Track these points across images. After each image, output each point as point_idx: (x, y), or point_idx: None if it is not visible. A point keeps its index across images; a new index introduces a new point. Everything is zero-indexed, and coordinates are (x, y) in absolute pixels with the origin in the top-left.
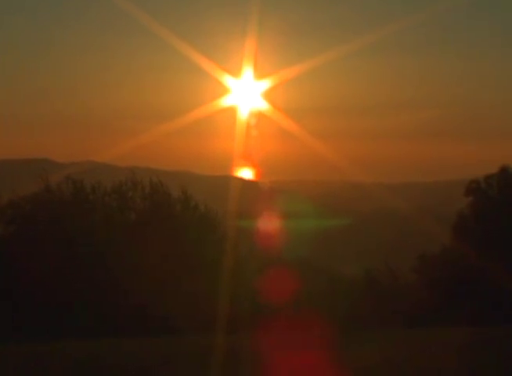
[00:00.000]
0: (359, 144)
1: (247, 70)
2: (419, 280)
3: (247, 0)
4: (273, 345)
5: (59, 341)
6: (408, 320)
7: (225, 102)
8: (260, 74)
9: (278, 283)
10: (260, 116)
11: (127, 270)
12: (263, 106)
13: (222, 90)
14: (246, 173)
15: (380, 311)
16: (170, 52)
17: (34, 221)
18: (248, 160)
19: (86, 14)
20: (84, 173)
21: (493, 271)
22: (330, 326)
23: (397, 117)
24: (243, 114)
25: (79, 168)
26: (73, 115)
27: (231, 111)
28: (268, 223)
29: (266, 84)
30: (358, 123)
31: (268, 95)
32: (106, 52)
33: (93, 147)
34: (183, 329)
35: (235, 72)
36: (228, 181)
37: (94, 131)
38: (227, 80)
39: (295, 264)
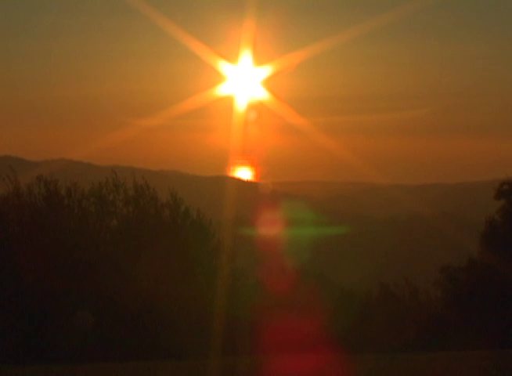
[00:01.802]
0: (374, 140)
1: (245, 56)
2: (442, 296)
3: None
4: (274, 369)
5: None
6: (428, 341)
7: (220, 91)
8: (259, 59)
9: (281, 299)
10: (260, 107)
11: (108, 285)
12: (263, 95)
13: (217, 78)
14: (244, 173)
15: (398, 331)
16: (157, 35)
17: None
18: (246, 159)
19: None
20: (58, 173)
21: None
22: (340, 347)
23: (414, 109)
24: (241, 105)
25: (52, 167)
26: (45, 107)
27: (227, 102)
28: (270, 231)
29: (266, 71)
30: (372, 116)
31: (269, 84)
32: (85, 36)
33: (68, 143)
34: (176, 351)
35: (231, 57)
36: (223, 182)
37: (69, 126)
38: (222, 66)
39: (301, 277)
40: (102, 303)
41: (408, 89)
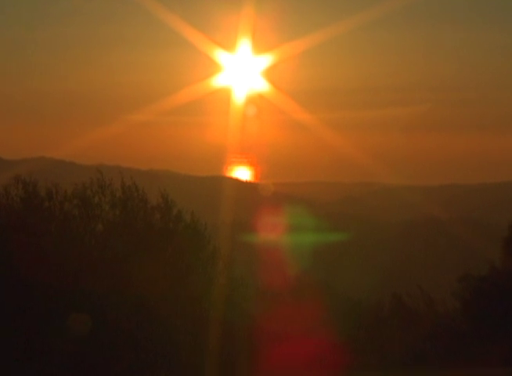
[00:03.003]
0: (384, 137)
1: (244, 44)
2: (461, 307)
3: None
4: None
5: None
6: (445, 357)
7: (216, 82)
8: (259, 48)
9: (283, 311)
10: (260, 100)
11: (91, 297)
12: (263, 87)
13: (213, 68)
14: (242, 173)
15: (412, 346)
16: (148, 22)
17: None
18: (245, 157)
19: None
20: (38, 173)
21: None
22: (348, 363)
23: (428, 103)
24: (239, 98)
25: (31, 167)
26: (23, 101)
27: (224, 94)
28: (271, 237)
29: (267, 60)
30: (383, 110)
31: (270, 75)
32: (66, 22)
33: (49, 141)
34: (169, 368)
35: (228, 46)
36: (220, 183)
37: (50, 121)
38: (219, 55)
39: (304, 287)
40: (82, 317)
41: (421, 81)
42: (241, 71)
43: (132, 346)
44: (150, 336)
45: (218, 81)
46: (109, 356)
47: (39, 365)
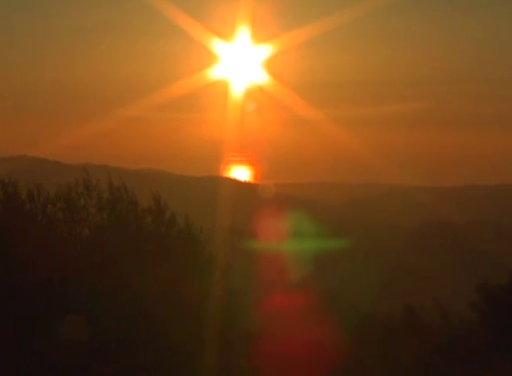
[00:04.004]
0: (395, 134)
1: (242, 33)
2: (479, 319)
3: None
4: None
5: None
6: (458, 369)
7: (213, 74)
8: (259, 37)
9: (284, 323)
10: (260, 93)
11: (77, 309)
12: (264, 79)
13: (209, 58)
14: (241, 173)
15: (426, 361)
16: (139, 9)
17: None
18: (244, 156)
19: None
20: (19, 172)
21: None
22: (349, 369)
23: (442, 97)
24: (238, 91)
25: (11, 166)
26: (4, 95)
27: (221, 87)
28: (271, 242)
29: (267, 50)
30: (393, 105)
31: (271, 66)
32: (50, 9)
33: (31, 138)
34: (160, 373)
35: (226, 35)
36: (217, 183)
37: (32, 117)
38: (216, 45)
39: (307, 297)
40: (73, 319)
41: (433, 73)
42: (239, 62)
43: (123, 348)
44: (142, 338)
45: (214, 73)
46: (100, 359)
47: (29, 367)
